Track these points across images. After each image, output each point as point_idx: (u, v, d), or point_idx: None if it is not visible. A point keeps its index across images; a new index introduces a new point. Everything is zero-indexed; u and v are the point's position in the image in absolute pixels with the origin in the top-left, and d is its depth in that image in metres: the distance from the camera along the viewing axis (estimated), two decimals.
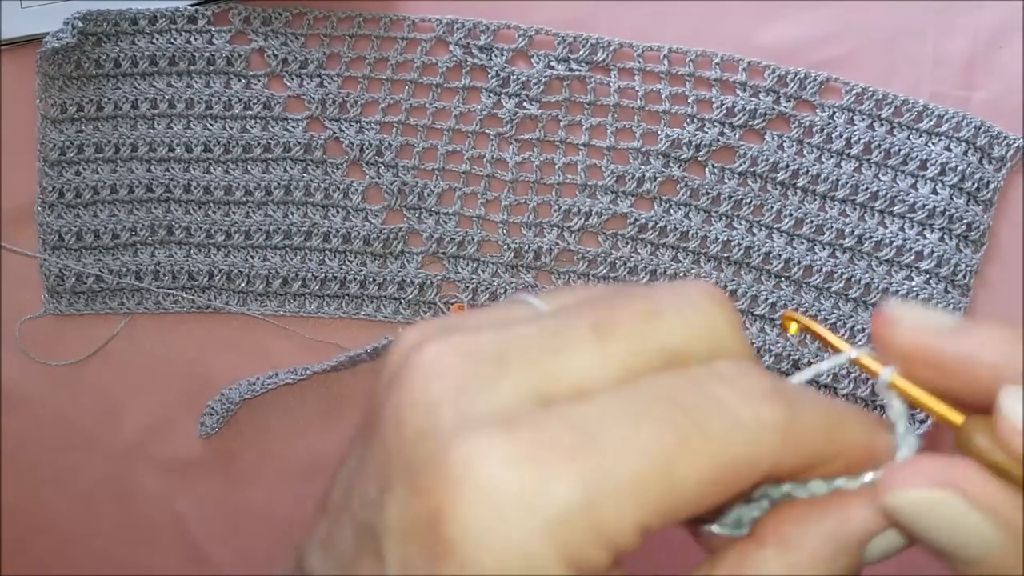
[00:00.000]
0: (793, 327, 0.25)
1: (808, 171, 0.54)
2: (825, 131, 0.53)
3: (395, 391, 0.21)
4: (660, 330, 0.21)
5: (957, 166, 0.53)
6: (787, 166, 0.54)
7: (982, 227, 0.53)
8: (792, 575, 0.20)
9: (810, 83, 0.53)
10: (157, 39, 0.55)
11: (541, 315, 0.22)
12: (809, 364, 0.54)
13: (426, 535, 0.19)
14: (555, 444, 0.19)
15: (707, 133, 0.54)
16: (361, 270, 0.55)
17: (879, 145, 0.53)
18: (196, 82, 0.55)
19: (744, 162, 0.54)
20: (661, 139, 0.54)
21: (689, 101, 0.54)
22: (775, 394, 0.20)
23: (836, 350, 0.24)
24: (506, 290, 0.55)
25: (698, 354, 0.21)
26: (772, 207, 0.54)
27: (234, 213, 0.55)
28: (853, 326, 0.54)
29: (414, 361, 0.20)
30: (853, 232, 0.54)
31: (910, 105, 0.53)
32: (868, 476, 0.21)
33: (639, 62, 0.54)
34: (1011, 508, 0.19)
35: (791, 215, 0.54)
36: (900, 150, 0.53)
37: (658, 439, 0.19)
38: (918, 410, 0.22)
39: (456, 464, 0.19)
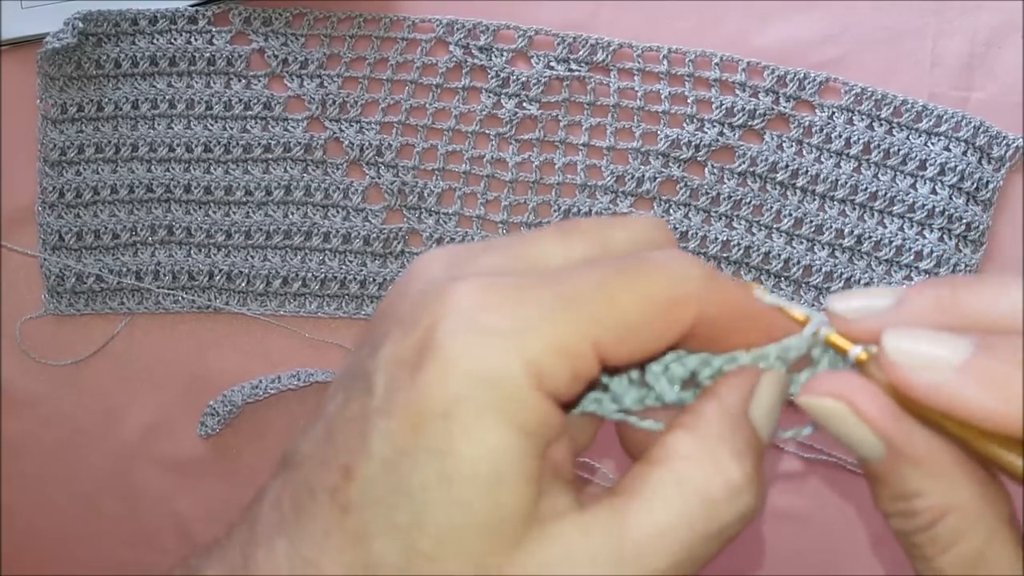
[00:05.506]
0: (759, 291, 0.27)
1: (807, 171, 0.54)
2: (824, 131, 0.53)
3: (397, 281, 0.26)
4: (611, 232, 0.26)
5: (956, 166, 0.53)
6: (786, 166, 0.54)
7: (981, 227, 0.53)
8: (699, 448, 0.24)
9: (809, 83, 0.53)
10: (157, 39, 0.55)
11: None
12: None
13: (414, 354, 0.23)
14: (523, 283, 0.24)
15: (706, 133, 0.54)
16: (361, 270, 0.55)
17: (878, 145, 0.53)
18: (196, 82, 0.55)
19: (743, 162, 0.54)
20: (661, 139, 0.54)
21: (688, 101, 0.54)
22: (698, 258, 0.26)
23: (799, 321, 0.27)
24: None
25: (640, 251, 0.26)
26: (771, 207, 0.54)
27: (234, 213, 0.56)
28: None
29: (412, 264, 0.26)
30: (852, 232, 0.54)
31: (909, 105, 0.53)
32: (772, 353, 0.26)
33: (639, 62, 0.54)
34: (892, 422, 0.24)
35: (790, 215, 0.54)
36: (899, 150, 0.53)
37: (603, 276, 0.24)
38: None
39: (447, 298, 0.23)
